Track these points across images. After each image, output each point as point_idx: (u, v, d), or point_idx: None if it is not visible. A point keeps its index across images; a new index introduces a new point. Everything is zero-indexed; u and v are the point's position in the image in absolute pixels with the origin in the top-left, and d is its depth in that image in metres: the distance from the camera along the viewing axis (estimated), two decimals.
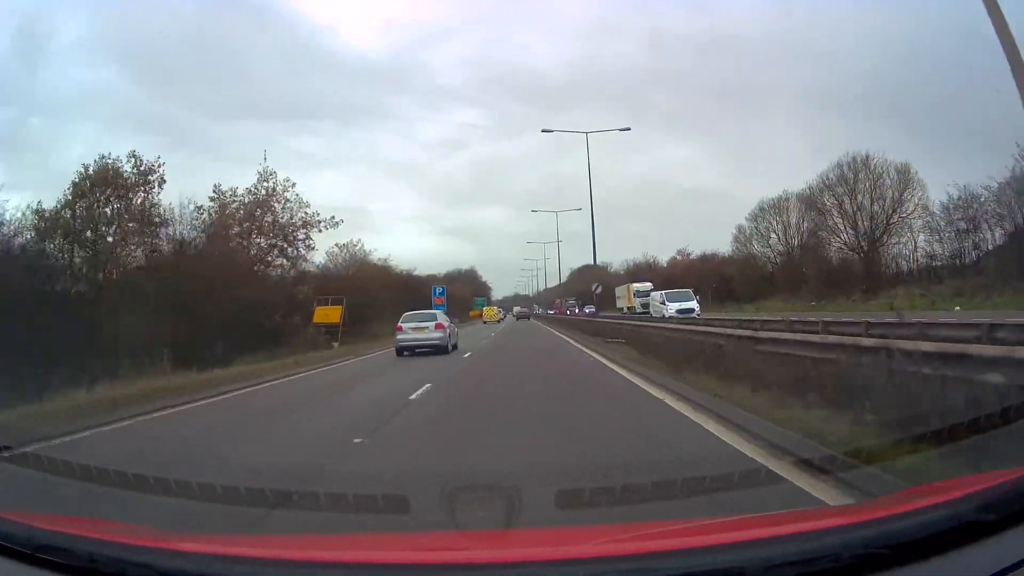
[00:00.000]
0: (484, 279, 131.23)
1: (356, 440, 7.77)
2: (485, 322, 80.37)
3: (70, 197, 27.75)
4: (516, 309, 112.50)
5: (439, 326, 23.55)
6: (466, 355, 22.98)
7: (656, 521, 3.50)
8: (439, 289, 58.57)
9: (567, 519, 4.12)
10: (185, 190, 41.43)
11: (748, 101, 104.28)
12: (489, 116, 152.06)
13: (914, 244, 53.75)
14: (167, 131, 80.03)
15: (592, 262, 49.85)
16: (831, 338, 9.49)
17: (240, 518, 4.65)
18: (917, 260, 53.13)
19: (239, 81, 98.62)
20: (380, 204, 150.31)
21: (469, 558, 2.12)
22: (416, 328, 23.45)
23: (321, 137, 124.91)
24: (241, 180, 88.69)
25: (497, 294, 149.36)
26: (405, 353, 22.77)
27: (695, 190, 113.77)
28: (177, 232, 30.39)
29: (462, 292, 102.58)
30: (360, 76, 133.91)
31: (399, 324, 24.12)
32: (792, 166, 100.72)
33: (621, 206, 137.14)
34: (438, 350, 22.71)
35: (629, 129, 45.15)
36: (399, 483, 5.54)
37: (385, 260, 65.41)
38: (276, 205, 37.50)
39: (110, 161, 28.65)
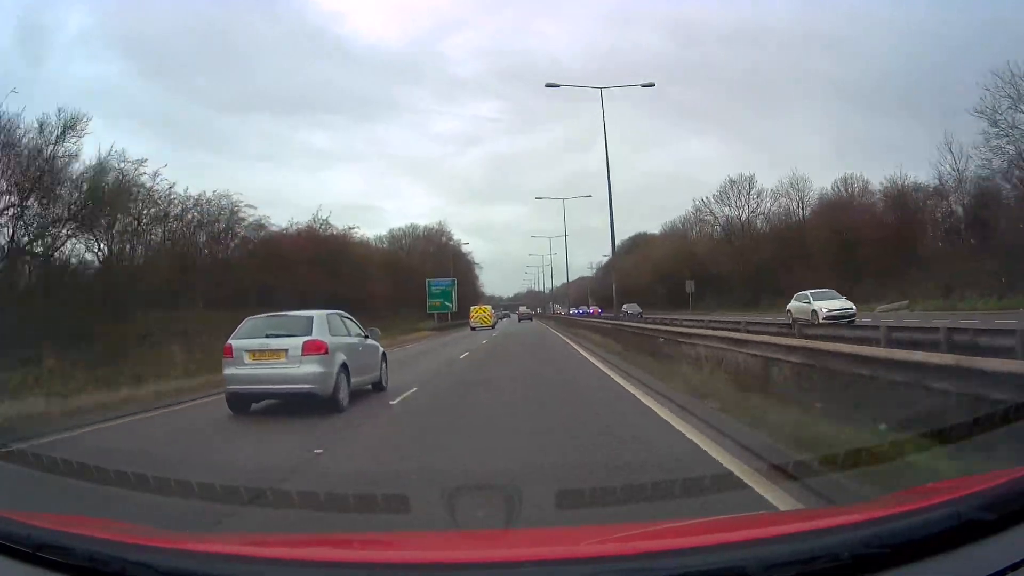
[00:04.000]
0: (468, 251, 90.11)
1: None
2: (474, 328, 55.69)
3: None
4: (521, 309, 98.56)
5: (313, 347, 10.51)
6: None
7: (656, 521, 3.50)
8: None
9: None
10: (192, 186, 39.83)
11: (772, 94, 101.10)
12: (505, 109, 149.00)
13: None
14: (173, 126, 79.55)
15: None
16: None
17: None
18: None
19: (247, 73, 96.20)
20: (392, 201, 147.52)
21: (469, 558, 2.12)
22: (261, 353, 10.60)
23: (332, 131, 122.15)
24: (247, 177, 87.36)
25: (508, 291, 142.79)
26: (255, 406, 10.85)
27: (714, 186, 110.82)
28: None
29: (413, 265, 67.91)
30: (373, 67, 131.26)
31: (228, 342, 10.99)
32: (810, 162, 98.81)
33: (637, 205, 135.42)
34: (312, 401, 10.31)
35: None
36: None
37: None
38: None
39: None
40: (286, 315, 11.85)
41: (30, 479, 6.03)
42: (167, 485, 5.14)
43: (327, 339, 10.76)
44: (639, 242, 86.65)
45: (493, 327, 57.92)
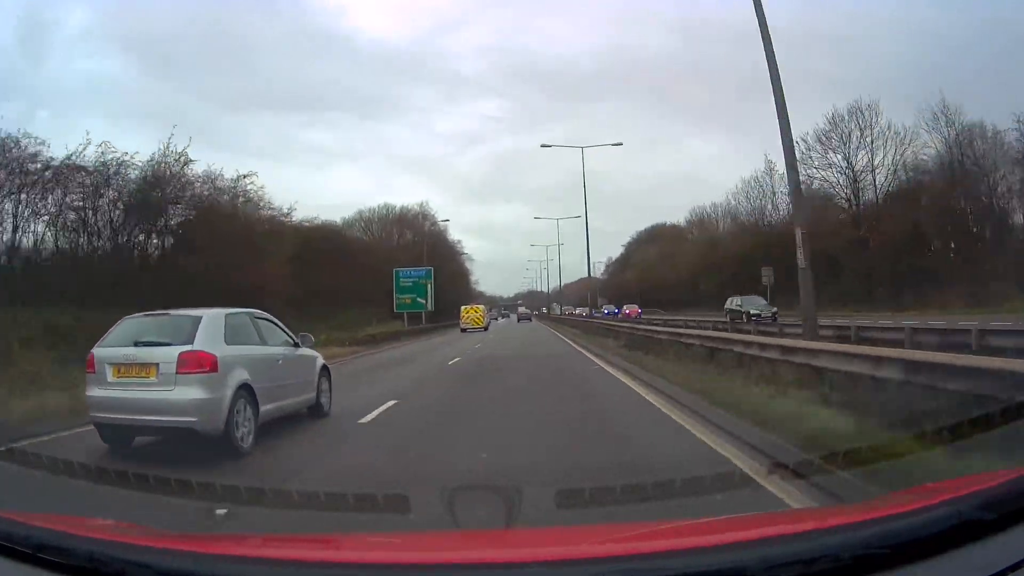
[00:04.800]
0: (458, 241, 77.30)
1: None
2: (464, 329, 48.67)
3: None
4: (520, 309, 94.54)
5: (193, 361, 7.40)
6: None
7: (656, 521, 3.50)
8: None
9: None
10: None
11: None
12: (506, 108, 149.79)
13: None
14: (176, 123, 78.71)
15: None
16: None
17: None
18: None
19: (249, 71, 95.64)
20: (395, 199, 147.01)
21: (469, 558, 2.12)
22: (127, 368, 7.53)
23: (335, 130, 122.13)
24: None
25: (508, 291, 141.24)
26: (130, 441, 7.85)
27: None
28: None
29: (374, 249, 55.77)
30: (377, 64, 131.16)
31: (92, 350, 7.89)
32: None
33: (639, 205, 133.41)
34: (196, 440, 7.31)
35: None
36: None
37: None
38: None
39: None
40: (168, 315, 8.51)
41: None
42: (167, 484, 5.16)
43: (217, 350, 7.62)
44: (658, 233, 79.11)
45: (486, 328, 50.57)
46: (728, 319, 32.61)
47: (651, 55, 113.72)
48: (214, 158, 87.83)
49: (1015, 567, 1.68)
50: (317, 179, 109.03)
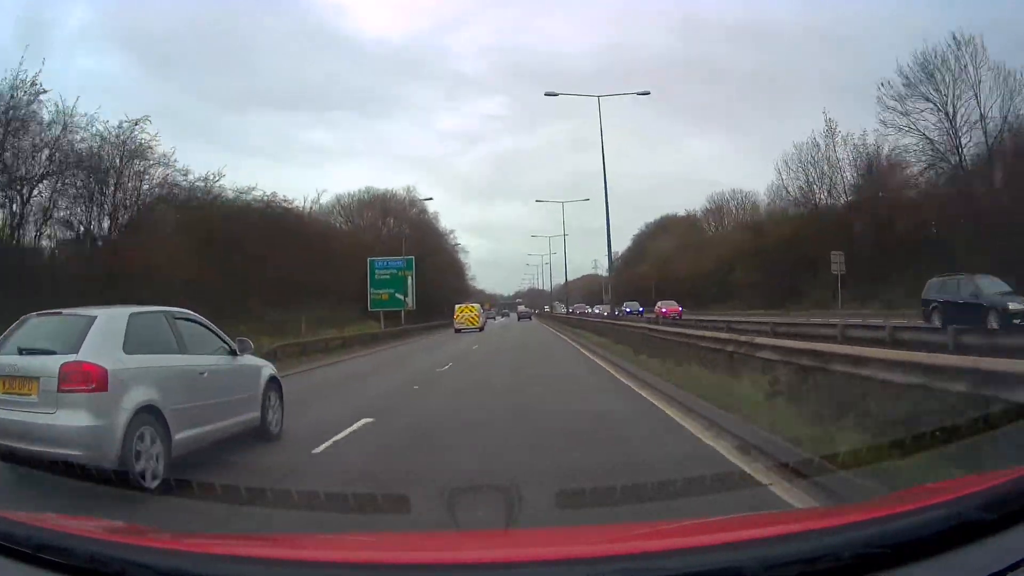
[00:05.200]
0: (450, 230, 69.50)
1: None
2: (459, 330, 44.35)
3: None
4: (520, 308, 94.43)
5: (77, 376, 5.68)
6: None
7: (656, 521, 3.50)
8: None
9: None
10: None
11: (776, 93, 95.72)
12: (507, 107, 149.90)
13: None
14: (175, 123, 78.13)
15: None
16: None
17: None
18: None
19: (251, 69, 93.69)
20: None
21: (469, 558, 2.11)
22: (10, 381, 5.85)
23: (337, 129, 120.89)
24: (249, 174, 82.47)
25: (509, 289, 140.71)
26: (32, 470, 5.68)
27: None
28: None
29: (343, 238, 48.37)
30: (377, 64, 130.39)
31: None
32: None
33: (641, 205, 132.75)
34: (90, 472, 5.26)
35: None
36: None
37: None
38: None
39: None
40: (60, 314, 6.78)
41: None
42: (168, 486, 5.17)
43: (110, 361, 5.94)
44: (671, 224, 75.69)
45: (481, 328, 46.42)
46: (937, 321, 18.19)
47: (651, 55, 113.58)
48: (214, 157, 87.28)
49: (1014, 567, 1.68)
50: (317, 179, 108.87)
